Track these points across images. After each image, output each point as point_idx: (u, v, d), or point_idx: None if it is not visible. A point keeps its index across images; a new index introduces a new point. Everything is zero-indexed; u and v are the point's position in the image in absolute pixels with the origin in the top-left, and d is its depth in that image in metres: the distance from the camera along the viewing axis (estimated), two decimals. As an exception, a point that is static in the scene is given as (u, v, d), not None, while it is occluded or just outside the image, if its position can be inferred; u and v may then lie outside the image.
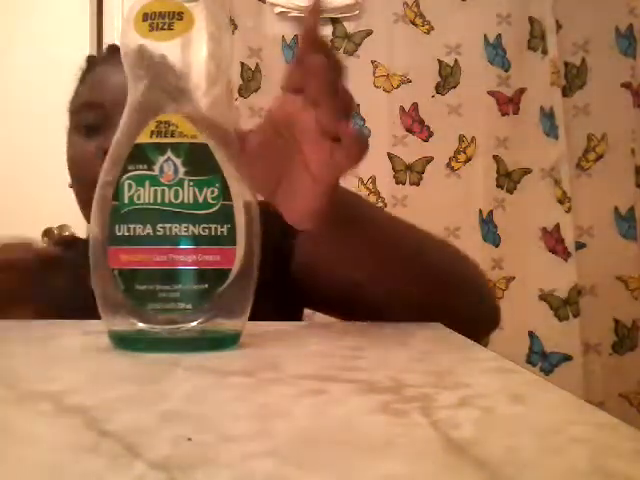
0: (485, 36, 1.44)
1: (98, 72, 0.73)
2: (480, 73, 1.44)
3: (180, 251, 0.35)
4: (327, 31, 1.45)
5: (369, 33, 1.46)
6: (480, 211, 1.43)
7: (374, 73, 1.45)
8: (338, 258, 0.54)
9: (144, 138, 0.36)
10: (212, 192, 0.35)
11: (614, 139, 1.43)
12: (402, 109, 1.45)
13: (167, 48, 0.37)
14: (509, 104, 1.45)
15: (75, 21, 1.60)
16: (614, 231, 1.43)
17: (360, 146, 0.39)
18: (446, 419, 0.24)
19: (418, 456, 0.20)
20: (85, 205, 0.68)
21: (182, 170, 0.35)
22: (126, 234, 0.36)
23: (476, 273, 0.64)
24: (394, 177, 1.44)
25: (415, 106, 1.45)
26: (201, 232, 0.35)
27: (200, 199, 0.35)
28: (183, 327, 0.36)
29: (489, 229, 1.44)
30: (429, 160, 1.45)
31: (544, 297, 1.41)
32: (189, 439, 0.21)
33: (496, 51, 1.45)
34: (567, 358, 1.38)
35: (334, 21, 1.45)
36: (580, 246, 1.42)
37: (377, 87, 1.45)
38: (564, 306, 1.39)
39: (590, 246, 1.42)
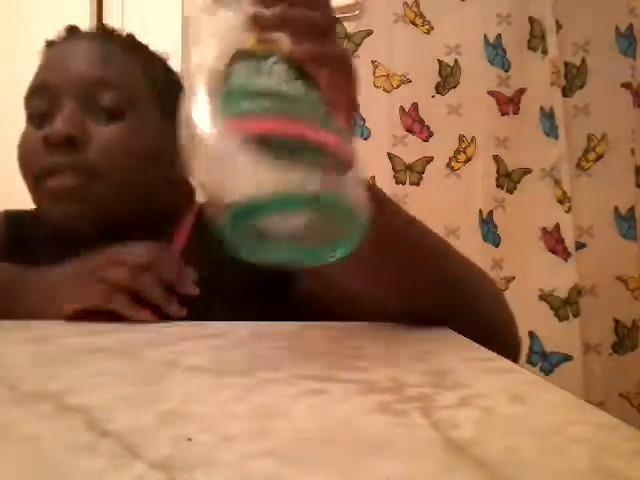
0: (485, 36, 1.44)
1: (51, 53, 0.68)
2: (480, 73, 1.44)
3: (311, 129, 0.34)
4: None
5: (369, 33, 1.46)
6: (480, 211, 1.43)
7: (374, 73, 1.45)
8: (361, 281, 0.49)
9: (251, 44, 0.36)
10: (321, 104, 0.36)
11: (614, 139, 1.43)
12: (402, 109, 1.45)
13: None
14: (509, 104, 1.45)
15: (75, 21, 1.60)
16: (614, 231, 1.43)
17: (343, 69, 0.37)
18: (446, 419, 0.24)
19: (418, 456, 0.20)
20: (34, 198, 0.65)
21: (292, 74, 0.35)
22: (251, 106, 0.34)
23: (501, 299, 0.58)
24: (394, 177, 1.44)
25: (415, 106, 1.45)
26: (321, 118, 0.35)
27: (313, 102, 0.35)
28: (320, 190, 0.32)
29: (489, 229, 1.44)
30: (429, 160, 1.45)
31: (544, 297, 1.41)
32: (189, 439, 0.21)
33: (496, 51, 1.45)
34: (567, 358, 1.38)
35: (334, 21, 1.45)
36: (580, 246, 1.42)
37: (377, 87, 1.45)
38: (564, 306, 1.39)
39: (590, 246, 1.42)
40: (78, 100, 0.63)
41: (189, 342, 0.43)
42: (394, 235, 0.45)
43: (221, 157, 0.33)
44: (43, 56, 0.69)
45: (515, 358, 0.55)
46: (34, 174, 0.63)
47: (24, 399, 0.27)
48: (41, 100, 0.64)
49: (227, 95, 0.34)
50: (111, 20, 1.59)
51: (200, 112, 0.35)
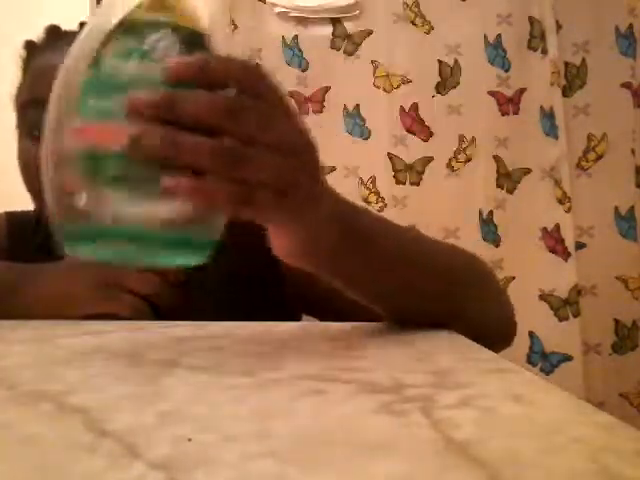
0: (485, 36, 1.44)
1: (39, 61, 0.64)
2: (480, 73, 1.44)
3: None
4: (327, 31, 1.45)
5: (369, 33, 1.46)
6: (480, 211, 1.43)
7: (374, 73, 1.45)
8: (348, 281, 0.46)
9: (138, 13, 0.32)
10: None
11: (614, 139, 1.43)
12: (402, 109, 1.45)
13: None
14: (509, 104, 1.45)
15: (74, 20, 1.60)
16: (614, 231, 1.43)
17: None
18: (446, 419, 0.24)
19: (418, 456, 0.20)
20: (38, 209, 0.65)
21: (177, 50, 0.32)
22: (100, 106, 0.31)
23: (494, 281, 0.60)
24: (394, 177, 1.44)
25: (415, 106, 1.45)
26: None
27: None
28: (156, 212, 0.32)
29: (489, 229, 1.44)
30: (429, 160, 1.45)
31: (544, 297, 1.41)
32: (189, 439, 0.21)
33: (496, 51, 1.45)
34: (567, 358, 1.38)
35: (334, 21, 1.45)
36: (580, 246, 1.42)
37: (377, 87, 1.45)
38: (564, 306, 1.39)
39: (590, 246, 1.42)
40: None
41: (189, 342, 0.43)
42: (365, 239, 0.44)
43: (46, 168, 0.33)
44: (29, 64, 0.67)
45: (509, 343, 0.59)
46: (39, 191, 0.61)
47: (24, 399, 0.27)
48: (37, 113, 0.62)
49: (85, 86, 0.32)
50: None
51: (53, 104, 0.34)
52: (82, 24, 0.69)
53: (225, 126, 0.31)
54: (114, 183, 0.31)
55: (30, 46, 0.69)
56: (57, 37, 0.69)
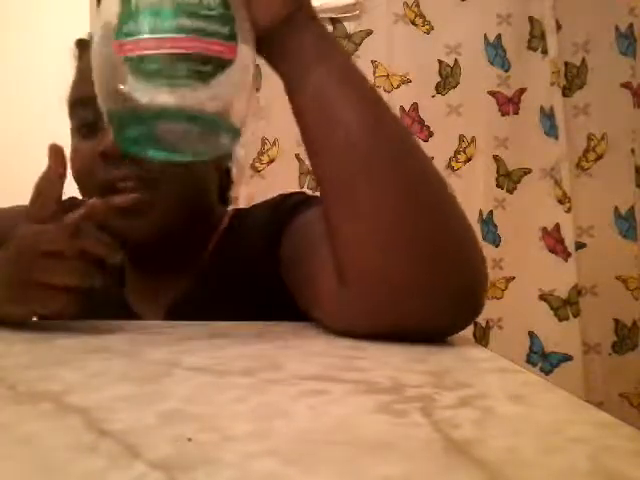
0: (485, 36, 1.44)
1: (85, 60, 0.63)
2: (480, 73, 1.44)
3: (186, 40, 0.38)
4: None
5: (369, 33, 1.46)
6: (480, 211, 1.43)
7: (374, 73, 1.46)
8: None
9: None
10: (214, 0, 0.39)
11: (614, 139, 1.43)
12: (402, 109, 1.45)
13: None
14: (509, 104, 1.45)
15: (75, 20, 1.61)
16: (614, 231, 1.43)
17: None
18: (446, 419, 0.24)
19: (418, 456, 0.20)
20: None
21: None
22: (134, 28, 0.38)
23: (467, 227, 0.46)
24: (394, 177, 1.44)
25: (415, 106, 1.45)
26: (206, 27, 0.39)
27: (204, 2, 0.39)
28: (188, 99, 0.38)
29: (489, 229, 1.44)
30: (429, 160, 1.45)
31: (544, 297, 1.41)
32: (189, 439, 0.21)
33: (496, 51, 1.45)
34: (567, 358, 1.38)
35: (334, 21, 1.45)
36: (580, 246, 1.42)
37: (377, 87, 1.45)
38: (564, 306, 1.39)
39: (590, 246, 1.42)
40: None
41: (189, 342, 0.43)
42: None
43: (104, 75, 0.40)
44: (79, 62, 0.68)
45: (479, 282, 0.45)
46: (95, 189, 0.60)
47: (24, 399, 0.27)
48: (85, 111, 0.62)
49: (120, 13, 0.39)
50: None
51: (97, 34, 0.40)
52: (81, 42, 0.70)
53: None
54: (150, 77, 0.38)
55: (81, 45, 0.69)
56: None
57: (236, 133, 0.41)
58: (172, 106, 0.38)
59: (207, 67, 0.38)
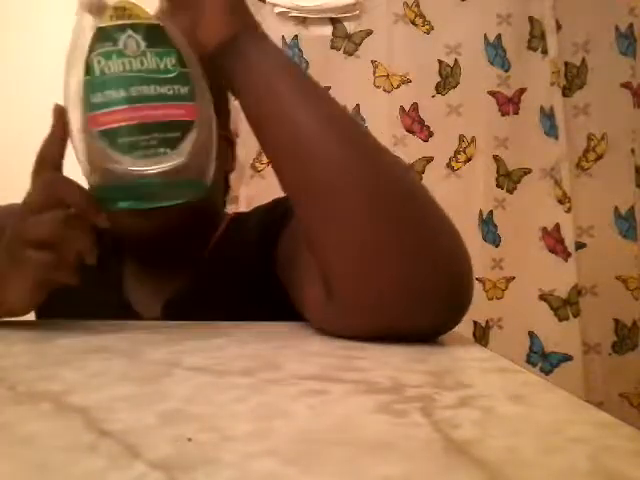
0: (485, 36, 1.44)
1: None
2: (480, 73, 1.44)
3: (152, 107, 0.41)
4: (327, 31, 1.45)
5: (369, 33, 1.46)
6: (480, 211, 1.44)
7: (374, 73, 1.46)
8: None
9: (106, 21, 0.42)
10: (171, 61, 0.42)
11: (614, 139, 1.43)
12: (402, 109, 1.45)
13: None
14: (509, 104, 1.45)
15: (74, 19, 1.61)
16: (614, 231, 1.43)
17: None
18: (446, 419, 0.24)
19: (418, 456, 0.20)
20: None
21: (143, 44, 0.42)
22: (102, 100, 0.41)
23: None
24: (394, 177, 1.44)
25: (415, 106, 1.45)
26: (166, 92, 0.42)
27: (162, 66, 0.42)
28: (163, 166, 0.41)
29: (489, 229, 1.44)
30: (429, 160, 1.45)
31: (544, 297, 1.42)
32: (189, 439, 0.21)
33: (496, 51, 1.45)
34: (567, 358, 1.38)
35: (334, 21, 1.45)
36: (580, 246, 1.42)
37: (377, 87, 1.45)
38: (564, 306, 1.39)
39: (590, 246, 1.42)
40: None
41: (189, 342, 0.43)
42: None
43: (78, 149, 0.44)
44: None
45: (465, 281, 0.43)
46: None
47: (24, 399, 0.27)
48: None
49: (86, 87, 0.42)
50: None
51: (70, 108, 0.44)
52: None
53: None
54: (127, 150, 0.41)
55: None
56: None
57: (205, 185, 0.45)
58: (151, 174, 0.41)
59: (175, 133, 0.42)
